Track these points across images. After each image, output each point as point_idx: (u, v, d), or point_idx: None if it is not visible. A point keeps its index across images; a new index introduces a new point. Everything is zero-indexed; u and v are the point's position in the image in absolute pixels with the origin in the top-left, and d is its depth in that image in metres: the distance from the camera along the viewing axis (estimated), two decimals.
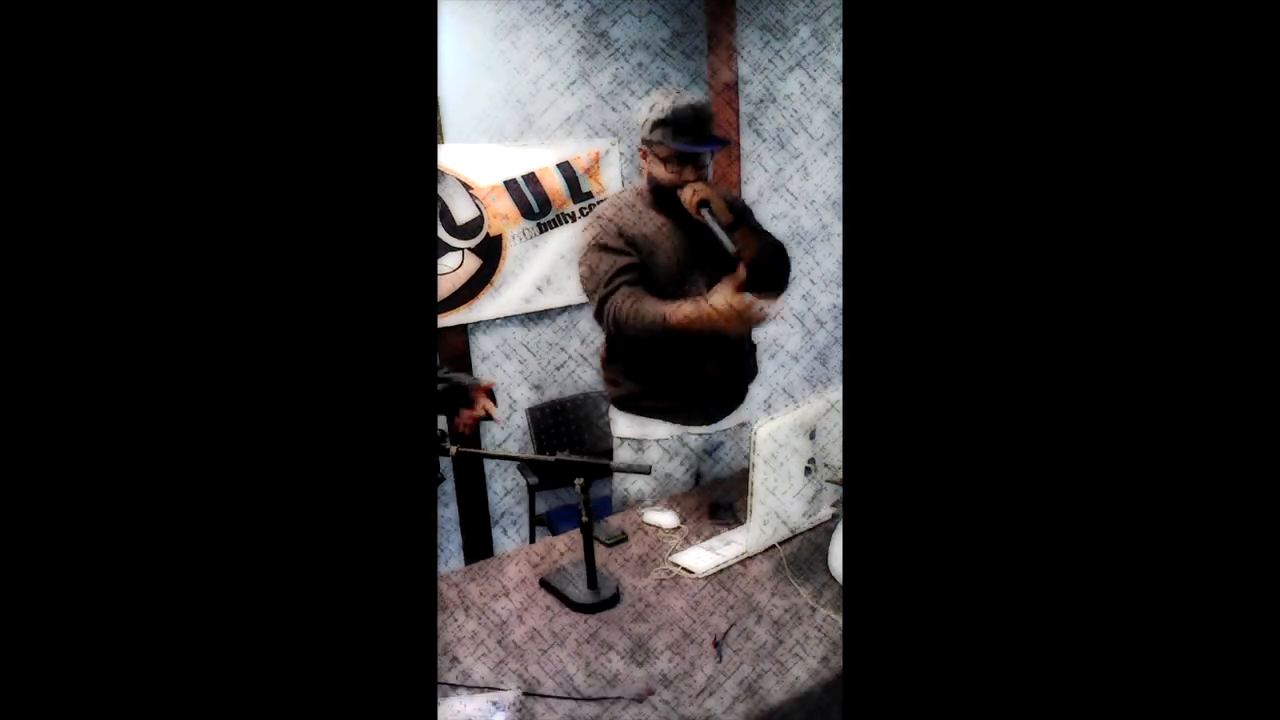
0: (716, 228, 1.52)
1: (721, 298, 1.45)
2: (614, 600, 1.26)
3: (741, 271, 1.48)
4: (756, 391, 1.88)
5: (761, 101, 2.93)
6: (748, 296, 1.45)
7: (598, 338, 2.65)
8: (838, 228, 2.77)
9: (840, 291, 2.81)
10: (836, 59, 2.62)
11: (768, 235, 1.73)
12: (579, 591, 1.26)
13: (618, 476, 1.78)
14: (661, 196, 1.63)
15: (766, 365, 3.11)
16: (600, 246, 1.61)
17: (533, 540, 2.58)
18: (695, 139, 1.55)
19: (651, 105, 1.58)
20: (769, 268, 1.68)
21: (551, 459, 1.27)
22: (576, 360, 2.90)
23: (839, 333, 2.87)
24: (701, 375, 1.67)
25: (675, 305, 1.51)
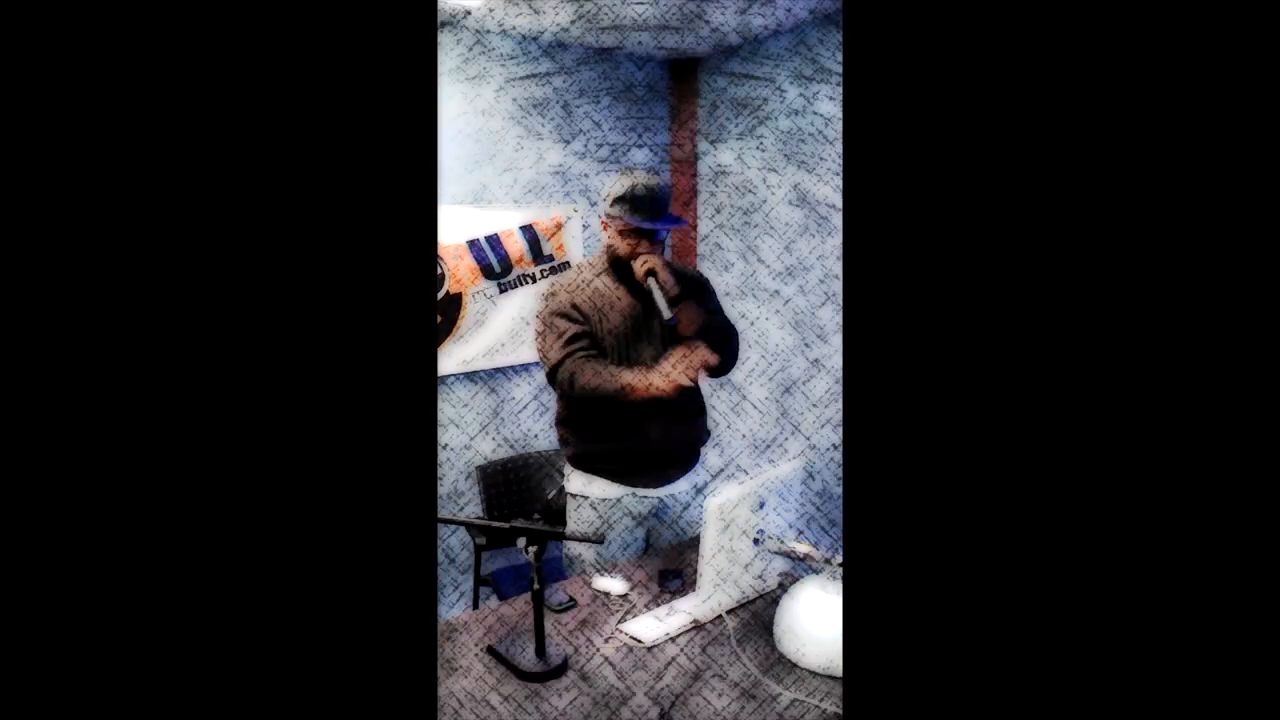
0: (658, 295, 1.67)
1: (672, 367, 1.62)
2: (562, 669, 1.26)
3: (703, 354, 1.64)
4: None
5: (719, 175, 3.07)
6: (695, 373, 1.63)
7: (552, 396, 2.67)
8: (787, 293, 2.88)
9: (785, 362, 2.90)
10: (794, 132, 2.77)
11: (718, 315, 1.83)
12: (527, 660, 1.26)
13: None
14: (618, 265, 1.78)
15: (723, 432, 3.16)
16: (556, 314, 1.75)
17: (476, 604, 2.53)
18: (650, 216, 1.71)
19: (614, 183, 1.74)
20: (712, 344, 1.74)
21: (506, 525, 1.27)
22: (529, 419, 2.91)
23: (776, 398, 2.95)
24: (646, 440, 1.74)
25: (630, 372, 1.66)
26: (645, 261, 1.69)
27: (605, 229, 1.77)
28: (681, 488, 1.85)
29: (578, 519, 1.82)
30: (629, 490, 1.79)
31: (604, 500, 1.79)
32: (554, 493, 1.40)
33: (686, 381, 1.62)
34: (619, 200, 1.71)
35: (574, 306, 1.74)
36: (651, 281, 1.68)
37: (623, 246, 1.73)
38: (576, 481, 1.83)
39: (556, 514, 1.97)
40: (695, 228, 3.19)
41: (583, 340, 1.71)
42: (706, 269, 3.15)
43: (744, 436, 3.13)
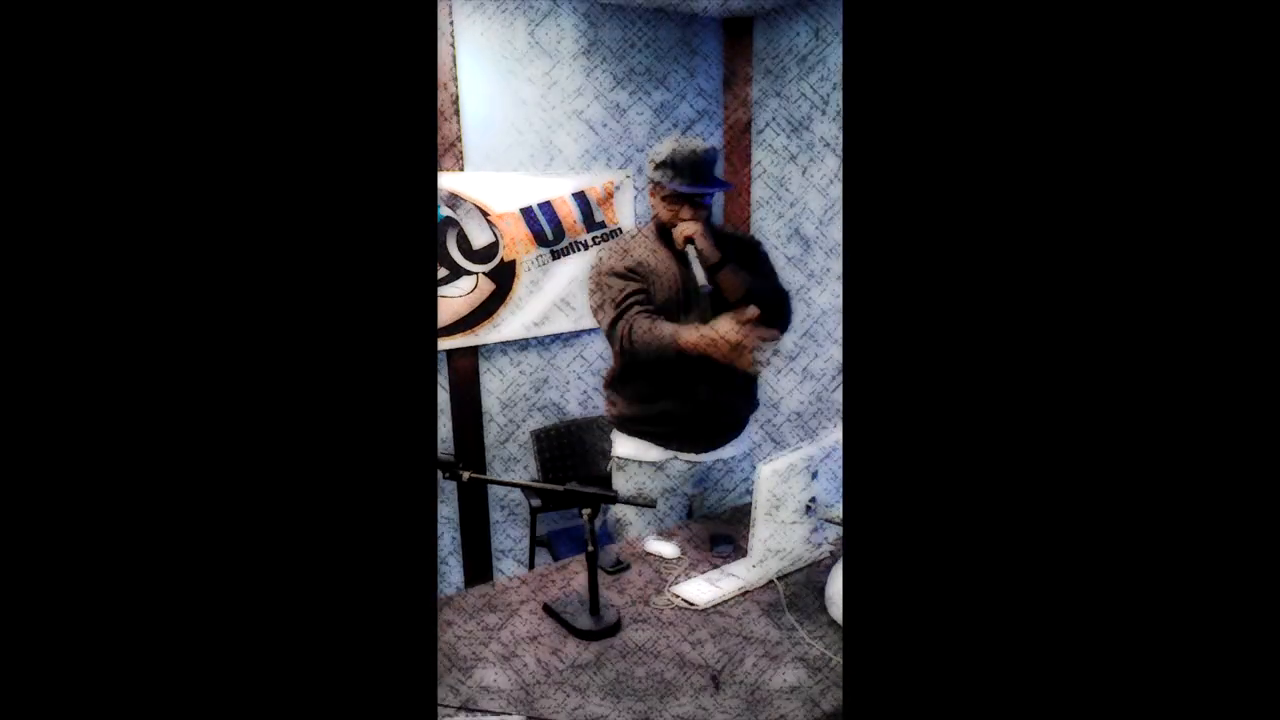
0: (696, 264, 1.63)
1: (725, 326, 1.54)
2: (615, 629, 1.29)
3: (752, 310, 1.54)
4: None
5: (774, 141, 3.00)
6: (748, 331, 1.53)
7: (604, 362, 2.68)
8: (837, 268, 2.82)
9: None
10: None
11: (768, 280, 1.80)
12: (582, 619, 1.29)
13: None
14: (663, 232, 1.76)
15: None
16: (611, 273, 1.73)
17: (532, 564, 2.60)
18: (691, 181, 1.67)
19: (658, 148, 1.71)
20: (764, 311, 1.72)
21: (561, 489, 1.30)
22: (583, 384, 2.94)
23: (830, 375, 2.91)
24: (693, 403, 1.73)
25: (686, 328, 1.61)
26: (683, 229, 1.67)
27: (652, 195, 1.76)
28: (727, 454, 1.85)
29: (622, 483, 1.85)
30: (673, 454, 1.80)
31: (648, 464, 1.81)
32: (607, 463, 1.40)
33: (741, 339, 1.52)
34: (661, 165, 1.69)
35: (628, 265, 1.73)
36: (690, 249, 1.65)
37: (665, 212, 1.71)
38: (621, 445, 1.85)
39: (603, 480, 2.00)
40: (749, 193, 3.14)
41: (638, 295, 1.69)
42: (762, 236, 3.11)
43: (800, 404, 3.11)
